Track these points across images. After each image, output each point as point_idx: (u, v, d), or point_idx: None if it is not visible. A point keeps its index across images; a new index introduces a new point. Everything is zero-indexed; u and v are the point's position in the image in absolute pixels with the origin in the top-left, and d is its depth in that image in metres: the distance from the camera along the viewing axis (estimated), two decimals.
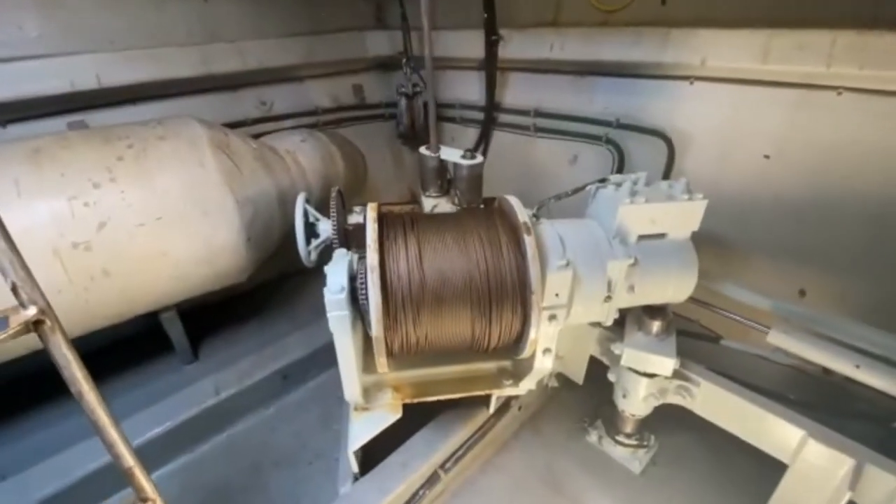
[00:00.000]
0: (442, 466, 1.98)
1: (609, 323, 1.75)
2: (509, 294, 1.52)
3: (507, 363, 1.91)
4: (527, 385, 1.83)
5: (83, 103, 2.37)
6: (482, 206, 2.12)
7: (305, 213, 2.00)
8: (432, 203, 2.14)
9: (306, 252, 2.00)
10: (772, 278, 2.32)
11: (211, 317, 2.82)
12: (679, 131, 2.41)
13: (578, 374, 2.24)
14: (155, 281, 1.94)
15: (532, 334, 1.54)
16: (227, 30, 2.74)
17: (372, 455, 1.90)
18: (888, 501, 1.46)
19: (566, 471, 2.12)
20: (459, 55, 3.10)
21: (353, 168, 3.00)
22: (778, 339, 1.87)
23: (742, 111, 2.21)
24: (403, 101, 3.31)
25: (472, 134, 3.41)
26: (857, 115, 1.91)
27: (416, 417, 1.91)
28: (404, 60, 3.19)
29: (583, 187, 1.80)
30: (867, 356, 1.72)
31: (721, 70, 2.14)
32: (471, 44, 2.94)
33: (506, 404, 2.19)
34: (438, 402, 1.81)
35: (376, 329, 1.42)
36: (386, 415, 1.78)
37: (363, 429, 1.76)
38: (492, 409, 2.08)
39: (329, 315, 1.47)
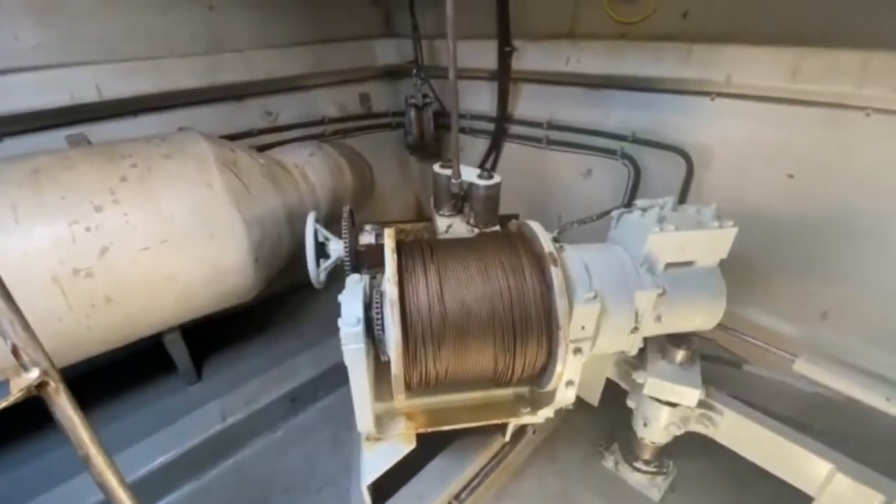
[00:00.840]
0: (457, 497, 1.92)
1: (634, 353, 1.69)
2: (534, 327, 1.45)
3: (524, 390, 1.85)
4: (545, 413, 1.77)
5: (83, 116, 2.28)
6: (498, 226, 2.07)
7: (315, 234, 1.93)
8: (446, 223, 2.08)
9: (316, 273, 1.93)
10: (793, 299, 2.27)
11: (215, 333, 2.74)
12: (698, 147, 2.35)
13: (594, 396, 2.18)
14: (159, 305, 1.87)
15: (558, 368, 1.48)
16: (232, 39, 2.66)
17: (384, 483, 1.83)
18: None
19: (582, 498, 2.06)
20: (471, 65, 3.02)
21: (360, 180, 2.93)
22: (805, 367, 1.81)
23: (765, 129, 2.14)
24: (413, 112, 3.23)
25: (481, 144, 3.34)
26: (885, 137, 1.86)
27: (429, 444, 1.84)
28: (415, 71, 3.11)
29: (608, 212, 1.73)
30: None
31: (746, 87, 2.07)
32: (483, 54, 2.87)
33: (521, 429, 2.13)
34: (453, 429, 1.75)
35: (395, 367, 1.35)
36: (399, 446, 1.72)
37: (376, 461, 1.69)
38: (508, 436, 2.02)
39: (344, 348, 1.40)
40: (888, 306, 2.02)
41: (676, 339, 1.80)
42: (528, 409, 1.77)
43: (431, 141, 3.37)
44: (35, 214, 1.59)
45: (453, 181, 1.84)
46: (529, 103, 3.03)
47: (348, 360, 1.43)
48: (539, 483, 2.13)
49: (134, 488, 1.96)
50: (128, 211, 1.72)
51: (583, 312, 1.45)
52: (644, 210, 1.65)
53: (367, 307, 1.46)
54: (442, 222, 2.08)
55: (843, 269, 2.10)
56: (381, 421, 1.72)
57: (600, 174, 2.81)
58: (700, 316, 1.67)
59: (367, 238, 2.01)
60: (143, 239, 1.73)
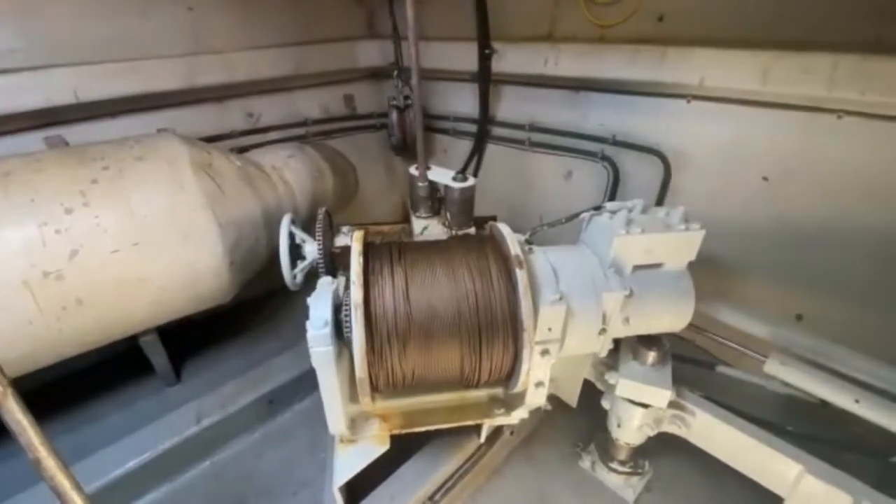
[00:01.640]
0: (431, 498, 1.93)
1: (604, 354, 1.70)
2: (500, 328, 1.46)
3: (498, 391, 1.85)
4: (519, 415, 1.77)
5: (60, 118, 2.27)
6: (473, 227, 2.07)
7: (291, 236, 1.93)
8: (422, 224, 2.08)
9: (291, 276, 1.93)
10: (768, 301, 2.29)
11: (194, 335, 2.74)
12: (675, 150, 2.36)
13: (572, 397, 2.18)
14: (132, 308, 1.86)
15: (524, 369, 1.49)
16: (212, 40, 2.65)
17: (358, 486, 1.83)
18: None
19: (559, 499, 2.07)
20: (452, 67, 3.04)
21: (343, 181, 2.93)
22: (775, 369, 1.82)
23: (740, 132, 2.16)
24: (395, 114, 3.24)
25: (464, 146, 3.34)
26: (858, 139, 1.87)
27: (404, 446, 1.84)
28: (395, 73, 3.12)
29: (577, 215, 1.74)
30: (867, 389, 1.68)
31: (719, 90, 2.09)
32: (464, 56, 2.87)
33: (497, 430, 2.13)
34: (428, 430, 1.75)
35: (359, 369, 1.36)
36: (373, 447, 1.72)
37: (348, 463, 1.69)
38: (483, 437, 2.02)
39: (312, 350, 1.40)
40: (862, 308, 2.03)
41: (647, 341, 1.81)
42: (503, 411, 1.78)
43: (415, 142, 3.36)
44: (4, 217, 1.58)
45: (420, 184, 1.85)
46: (511, 105, 3.04)
47: (316, 363, 1.43)
48: (516, 484, 2.14)
49: (107, 491, 1.96)
50: (98, 213, 1.71)
51: (548, 314, 1.46)
52: (613, 213, 1.66)
53: (338, 309, 1.47)
54: (418, 224, 2.09)
55: (818, 271, 2.12)
56: (354, 422, 1.72)
57: (581, 176, 2.82)
58: (668, 317, 1.68)
59: (343, 240, 2.01)
60: (114, 241, 1.73)
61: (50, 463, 0.96)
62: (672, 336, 2.14)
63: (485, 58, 2.78)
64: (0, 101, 2.08)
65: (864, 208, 1.94)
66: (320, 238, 1.83)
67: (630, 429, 1.91)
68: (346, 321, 1.42)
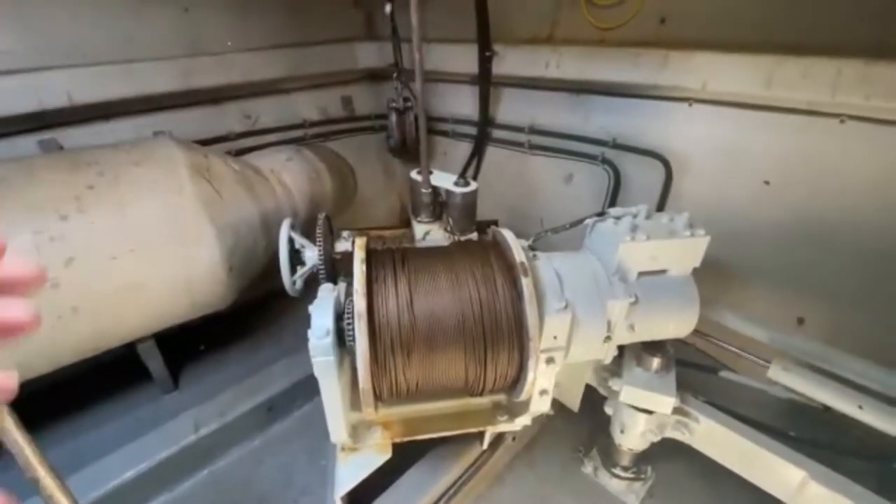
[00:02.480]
0: None
1: (608, 361, 1.69)
2: (505, 337, 1.44)
3: (501, 397, 1.84)
4: (522, 421, 1.76)
5: (54, 121, 2.22)
6: (476, 232, 2.06)
7: (291, 241, 1.90)
8: (424, 229, 2.06)
9: (291, 282, 1.90)
10: (770, 305, 2.28)
11: (192, 340, 2.70)
12: (676, 153, 2.35)
13: (574, 402, 2.17)
14: (129, 315, 1.83)
15: (529, 378, 1.47)
16: (209, 41, 2.62)
17: (359, 493, 1.81)
18: None
19: None
20: (452, 69, 3.01)
21: (341, 184, 2.90)
22: (779, 374, 1.82)
23: (742, 135, 2.15)
24: (394, 117, 3.21)
25: (464, 148, 3.32)
26: (860, 144, 1.87)
27: (406, 451, 1.82)
28: (395, 75, 3.09)
29: (581, 220, 1.72)
30: (870, 395, 1.68)
31: (722, 94, 2.08)
32: (464, 58, 2.85)
33: (500, 435, 2.12)
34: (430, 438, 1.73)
35: (363, 381, 1.33)
36: (375, 456, 1.70)
37: (350, 472, 1.67)
38: (485, 444, 2.01)
39: (314, 360, 1.38)
40: (863, 312, 2.03)
41: (651, 347, 1.80)
42: (506, 417, 1.76)
43: (414, 144, 3.35)
44: None
45: (423, 191, 1.83)
46: (511, 108, 3.02)
47: (318, 373, 1.40)
48: (518, 490, 2.13)
49: (104, 502, 1.93)
50: (94, 220, 1.68)
51: (554, 322, 1.44)
52: (617, 218, 1.64)
53: (340, 317, 1.44)
54: (419, 229, 2.07)
55: (819, 275, 2.11)
56: (356, 430, 1.70)
57: (582, 179, 2.81)
58: (673, 324, 1.67)
59: (343, 245, 1.99)
60: (110, 248, 1.69)
61: (48, 482, 0.93)
62: (674, 339, 2.14)
63: (485, 60, 2.76)
64: None
65: (865, 212, 1.93)
66: (321, 244, 1.81)
67: (633, 435, 1.90)
68: (349, 329, 1.39)
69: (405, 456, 1.84)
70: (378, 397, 1.48)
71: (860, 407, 1.66)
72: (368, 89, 3.58)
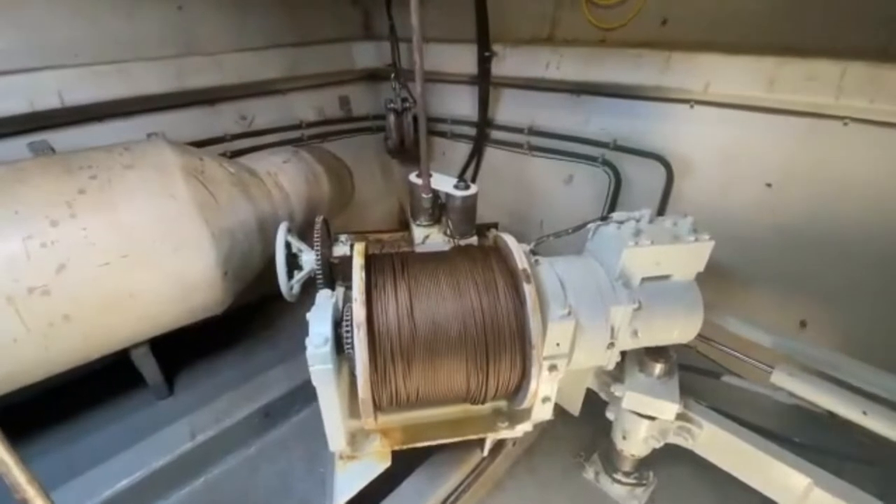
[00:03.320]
0: None
1: (611, 367, 1.67)
2: (507, 345, 1.42)
3: (502, 403, 1.81)
4: (523, 428, 1.73)
5: (45, 123, 2.18)
6: (476, 236, 2.03)
7: (287, 245, 1.87)
8: (423, 233, 2.03)
9: (288, 287, 1.87)
10: (772, 308, 2.27)
11: (188, 345, 2.66)
12: (678, 155, 2.33)
13: (575, 406, 2.15)
14: (122, 322, 1.79)
15: (532, 386, 1.44)
16: (203, 41, 2.57)
17: (358, 500, 1.78)
18: None
19: None
20: (451, 70, 2.98)
21: (339, 185, 2.87)
22: (782, 379, 1.80)
23: (744, 137, 2.14)
24: (392, 117, 3.18)
25: (463, 149, 3.29)
26: (864, 146, 1.85)
27: (406, 458, 1.80)
28: (393, 75, 3.05)
29: (583, 225, 1.70)
30: (874, 401, 1.66)
31: (725, 96, 2.06)
32: (463, 58, 2.82)
33: (500, 442, 2.09)
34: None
35: (362, 391, 1.30)
36: (374, 464, 1.67)
37: (349, 481, 1.64)
38: (486, 451, 1.98)
39: (311, 369, 1.35)
40: (866, 316, 2.02)
41: (654, 353, 1.77)
42: (507, 424, 1.73)
43: (412, 146, 3.32)
44: None
45: (423, 195, 1.80)
46: (510, 108, 2.99)
47: (316, 381, 1.37)
48: (519, 495, 2.10)
49: None
50: (86, 225, 1.64)
51: (557, 329, 1.41)
52: (620, 223, 1.62)
53: (338, 324, 1.41)
54: (419, 233, 2.04)
55: (822, 278, 2.10)
56: (355, 438, 1.67)
57: (582, 181, 2.79)
58: (677, 330, 1.65)
59: (341, 249, 1.95)
60: (102, 254, 1.65)
61: (38, 503, 0.90)
62: (676, 344, 2.12)
63: (484, 60, 2.73)
64: None
65: (868, 215, 1.92)
66: (318, 248, 1.78)
67: (636, 441, 1.88)
68: (347, 336, 1.36)
69: (405, 463, 1.81)
70: (378, 407, 1.46)
71: (864, 412, 1.64)
72: (366, 90, 3.54)
